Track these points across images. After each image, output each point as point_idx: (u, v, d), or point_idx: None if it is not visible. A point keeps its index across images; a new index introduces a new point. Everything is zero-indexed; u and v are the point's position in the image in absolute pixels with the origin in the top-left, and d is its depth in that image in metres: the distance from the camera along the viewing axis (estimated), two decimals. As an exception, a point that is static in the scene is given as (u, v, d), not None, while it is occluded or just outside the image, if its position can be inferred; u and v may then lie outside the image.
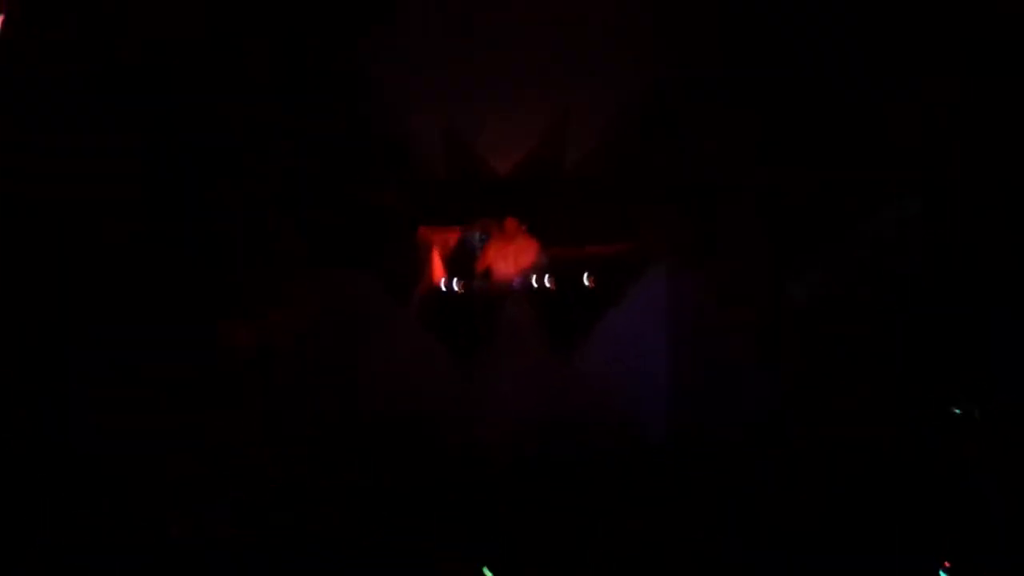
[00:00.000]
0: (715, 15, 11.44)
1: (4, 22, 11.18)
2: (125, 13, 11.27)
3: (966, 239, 10.35)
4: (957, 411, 7.92)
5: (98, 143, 11.24)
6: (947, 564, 7.83)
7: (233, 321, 11.07)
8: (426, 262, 11.27)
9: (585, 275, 10.81)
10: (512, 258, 11.12)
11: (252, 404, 9.79)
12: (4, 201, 10.77)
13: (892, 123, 10.96)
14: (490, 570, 8.05)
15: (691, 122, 11.91)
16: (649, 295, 9.85)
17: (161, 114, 11.35)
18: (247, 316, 11.30)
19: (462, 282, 10.89)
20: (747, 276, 11.18)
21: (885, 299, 10.47)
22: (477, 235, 11.60)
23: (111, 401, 9.93)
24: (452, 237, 11.75)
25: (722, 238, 11.52)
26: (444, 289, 10.82)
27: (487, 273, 11.07)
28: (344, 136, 12.06)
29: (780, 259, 11.18)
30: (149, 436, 9.59)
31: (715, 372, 9.77)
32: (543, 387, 9.56)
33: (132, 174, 11.24)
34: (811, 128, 11.30)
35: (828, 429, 9.55)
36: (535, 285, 10.68)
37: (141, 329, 10.39)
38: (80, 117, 11.19)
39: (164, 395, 9.91)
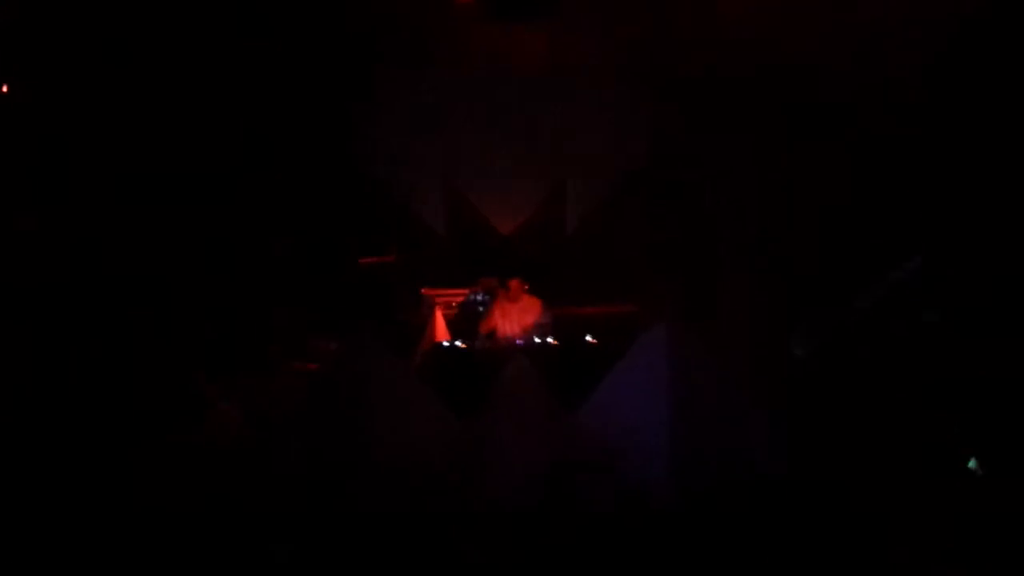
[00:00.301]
0: (710, 83, 11.64)
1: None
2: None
3: (961, 296, 10.42)
4: (971, 464, 7.92)
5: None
6: None
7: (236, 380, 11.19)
8: (429, 321, 11.33)
9: (587, 335, 10.85)
10: (514, 317, 11.17)
11: (257, 460, 9.79)
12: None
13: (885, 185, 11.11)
14: None
15: (690, 185, 12.08)
16: (651, 354, 9.84)
17: (172, 188, 11.53)
18: (251, 376, 11.41)
19: (464, 341, 10.93)
20: (748, 334, 11.23)
21: (886, 354, 10.51)
22: (479, 295, 11.67)
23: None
24: (455, 297, 11.83)
25: (723, 297, 11.61)
26: (447, 348, 10.84)
27: (489, 332, 11.12)
28: (349, 199, 12.22)
29: (781, 317, 11.25)
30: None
31: (717, 430, 9.74)
32: (544, 446, 9.53)
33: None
34: (811, 189, 11.43)
35: (833, 485, 9.53)
36: (537, 343, 10.71)
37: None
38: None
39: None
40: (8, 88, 11.36)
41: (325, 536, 9.10)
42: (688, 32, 11.56)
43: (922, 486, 9.30)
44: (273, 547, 8.74)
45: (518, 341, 10.66)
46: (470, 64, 11.95)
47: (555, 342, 10.80)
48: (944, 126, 10.74)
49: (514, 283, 11.22)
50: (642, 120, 11.97)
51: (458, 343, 10.87)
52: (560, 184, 11.98)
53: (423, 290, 12.03)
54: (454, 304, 11.88)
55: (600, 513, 9.32)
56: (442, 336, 11.17)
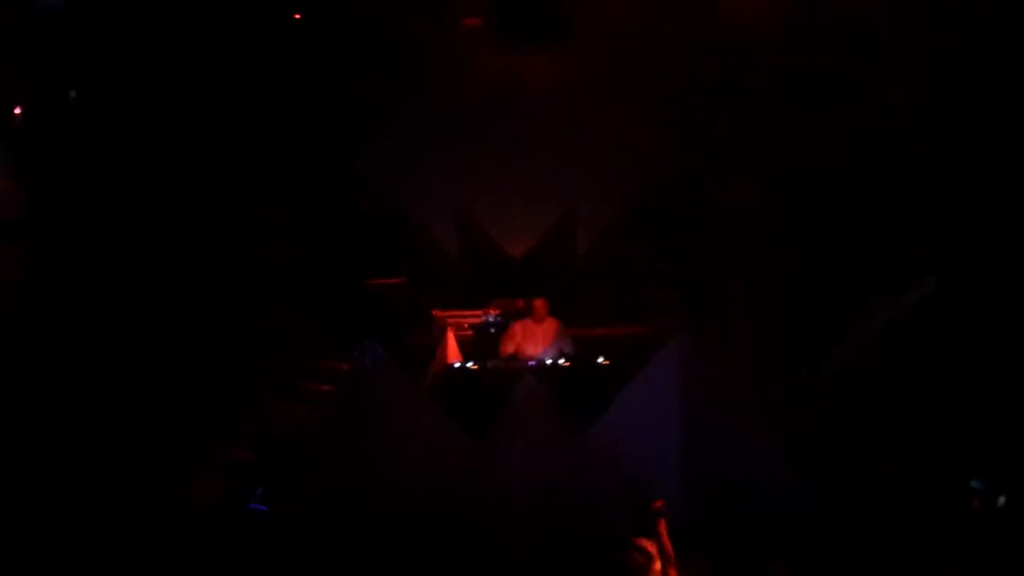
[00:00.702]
0: (716, 108, 11.66)
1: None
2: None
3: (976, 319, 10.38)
4: (974, 483, 7.88)
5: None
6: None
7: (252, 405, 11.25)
8: (440, 343, 11.32)
9: (599, 356, 10.82)
10: (538, 339, 11.16)
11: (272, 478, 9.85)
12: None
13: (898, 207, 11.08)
14: None
15: (703, 207, 12.06)
16: (662, 375, 9.82)
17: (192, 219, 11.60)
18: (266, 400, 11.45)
19: (476, 362, 10.91)
20: (760, 356, 11.19)
21: (898, 376, 10.47)
22: (491, 316, 11.65)
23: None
24: (466, 319, 11.81)
25: (735, 318, 11.57)
26: (458, 369, 10.83)
27: (511, 354, 11.09)
28: (360, 222, 12.23)
29: (793, 340, 11.20)
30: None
31: (729, 451, 9.71)
32: (556, 466, 9.51)
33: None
34: (820, 212, 11.41)
35: (843, 506, 9.50)
36: (548, 365, 10.69)
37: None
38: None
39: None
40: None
41: (339, 554, 9.13)
42: (693, 46, 11.58)
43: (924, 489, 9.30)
44: None
45: (530, 363, 10.63)
46: (479, 86, 11.95)
47: (567, 363, 10.77)
48: (947, 132, 10.74)
49: (540, 303, 11.22)
50: (651, 141, 11.94)
51: (469, 364, 10.85)
52: (571, 206, 11.96)
53: (434, 312, 12.02)
54: (466, 325, 11.86)
55: (610, 529, 9.29)
56: (454, 358, 11.15)
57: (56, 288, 11.28)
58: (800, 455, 9.92)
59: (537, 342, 11.15)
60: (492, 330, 11.47)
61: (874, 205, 10.96)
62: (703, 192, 11.97)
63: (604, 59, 11.85)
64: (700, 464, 9.58)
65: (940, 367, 10.27)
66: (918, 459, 9.68)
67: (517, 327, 11.25)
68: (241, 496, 9.89)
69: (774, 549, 9.01)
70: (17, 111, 11.36)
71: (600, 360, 10.81)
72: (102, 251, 11.44)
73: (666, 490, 9.42)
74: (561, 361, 10.77)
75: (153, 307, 11.55)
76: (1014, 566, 8.24)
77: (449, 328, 11.50)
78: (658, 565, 7.47)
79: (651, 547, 7.56)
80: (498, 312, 11.73)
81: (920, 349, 10.50)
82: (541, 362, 10.69)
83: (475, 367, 10.82)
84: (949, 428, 9.87)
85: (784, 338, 11.25)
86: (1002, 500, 9.17)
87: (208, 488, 10.27)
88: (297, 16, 11.89)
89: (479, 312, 11.83)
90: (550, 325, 11.23)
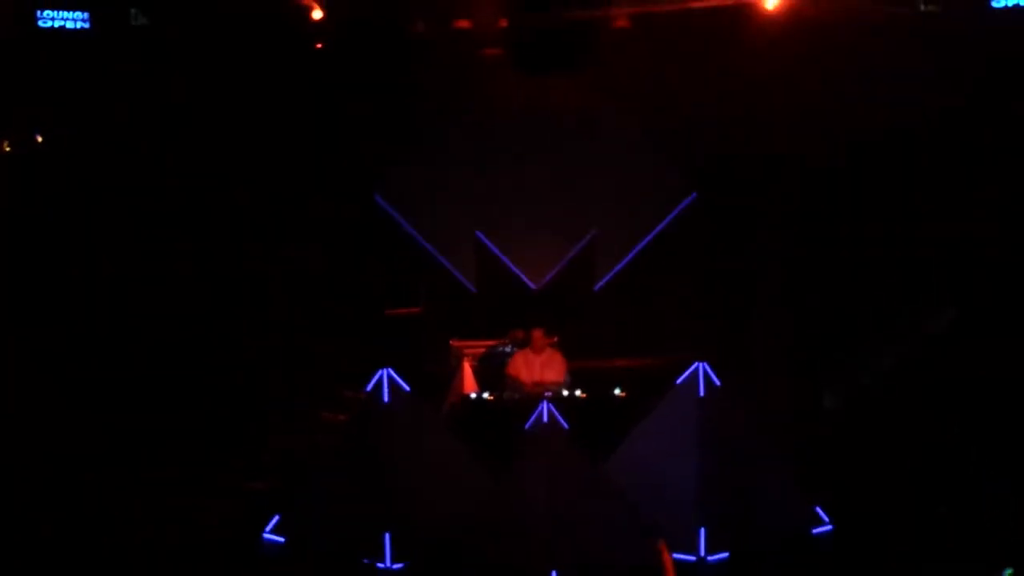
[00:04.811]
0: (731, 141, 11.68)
1: None
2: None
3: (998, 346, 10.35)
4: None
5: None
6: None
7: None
8: (457, 372, 11.30)
9: (616, 388, 10.79)
10: (535, 369, 11.13)
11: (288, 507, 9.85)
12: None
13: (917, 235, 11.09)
14: None
15: (721, 240, 12.07)
16: (680, 408, 9.79)
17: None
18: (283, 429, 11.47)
19: (493, 392, 10.88)
20: (779, 387, 11.15)
21: (918, 407, 10.43)
22: (508, 347, 11.62)
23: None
24: (483, 348, 11.79)
25: (754, 349, 11.54)
26: (474, 399, 10.80)
27: (517, 383, 11.07)
28: (378, 250, 12.25)
29: (813, 370, 11.17)
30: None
31: (747, 484, 9.67)
32: (572, 496, 9.47)
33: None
34: (838, 241, 11.40)
35: (865, 541, 9.45)
36: (565, 395, 10.65)
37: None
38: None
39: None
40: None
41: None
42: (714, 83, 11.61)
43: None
44: None
45: (547, 393, 10.59)
46: (500, 115, 11.98)
47: (584, 395, 10.74)
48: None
49: (537, 334, 11.18)
50: (671, 170, 11.95)
51: (486, 395, 10.82)
52: (590, 235, 11.96)
53: (452, 341, 12.00)
54: (472, 355, 11.85)
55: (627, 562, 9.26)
56: (470, 388, 11.12)
57: (76, 311, 11.36)
58: (815, 483, 9.89)
59: (534, 372, 11.11)
60: (508, 359, 11.42)
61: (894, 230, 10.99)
62: (722, 221, 11.99)
63: (625, 88, 11.88)
64: (717, 495, 9.54)
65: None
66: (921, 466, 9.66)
67: (519, 357, 11.22)
68: (256, 524, 9.86)
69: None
70: (39, 139, 11.45)
71: (617, 392, 10.77)
72: (125, 279, 11.52)
73: (681, 521, 9.51)
74: (578, 393, 10.73)
75: (173, 334, 11.62)
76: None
77: (465, 358, 11.48)
78: None
79: None
80: (506, 342, 11.69)
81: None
82: (557, 393, 10.65)
83: (491, 397, 10.79)
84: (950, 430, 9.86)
85: (803, 368, 11.24)
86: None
87: (223, 516, 10.26)
88: (319, 46, 11.95)
89: (495, 342, 11.81)
90: (550, 357, 11.19)
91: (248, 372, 11.70)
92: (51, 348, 11.31)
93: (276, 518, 9.83)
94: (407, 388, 9.79)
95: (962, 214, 10.93)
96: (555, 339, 11.61)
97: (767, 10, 11.32)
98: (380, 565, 9.43)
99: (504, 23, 11.91)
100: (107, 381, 11.31)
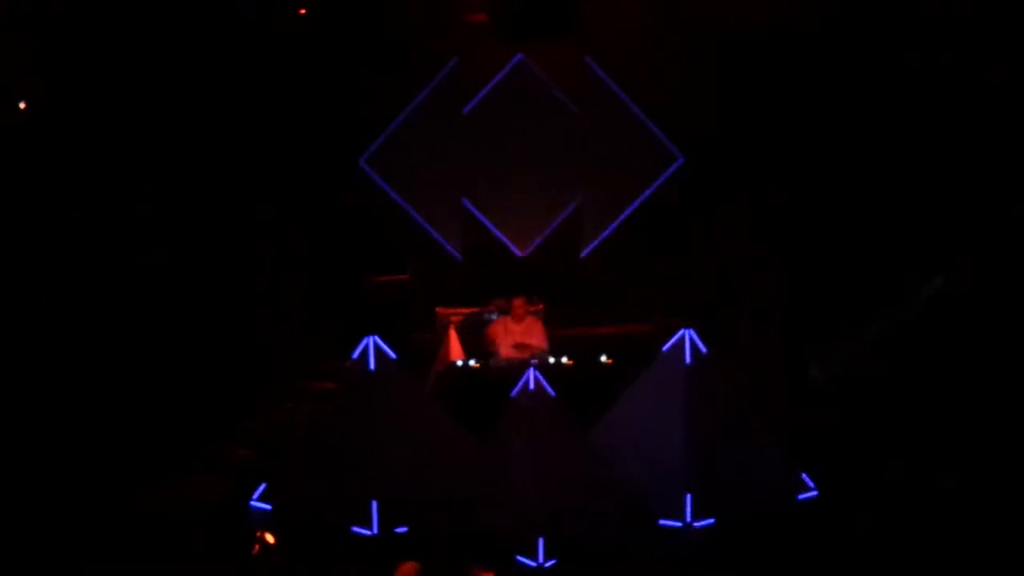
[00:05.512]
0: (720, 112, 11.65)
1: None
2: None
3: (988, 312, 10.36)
4: None
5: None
6: None
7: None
8: (443, 340, 11.28)
9: (603, 355, 10.78)
10: (516, 337, 11.13)
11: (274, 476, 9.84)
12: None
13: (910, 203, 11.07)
14: None
15: (709, 208, 12.04)
16: (667, 374, 9.78)
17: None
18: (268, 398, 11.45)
19: (478, 360, 10.88)
20: (766, 356, 11.16)
21: (905, 379, 10.45)
22: (494, 314, 11.61)
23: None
24: (469, 316, 11.77)
25: (742, 319, 11.53)
26: (461, 367, 10.79)
27: (503, 351, 11.07)
28: (364, 219, 12.21)
29: (800, 341, 11.17)
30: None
31: (733, 453, 9.68)
32: (558, 465, 9.47)
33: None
34: (828, 211, 11.39)
35: (848, 512, 9.48)
36: (552, 363, 10.64)
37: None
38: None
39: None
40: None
41: (339, 554, 9.11)
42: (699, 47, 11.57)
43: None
44: None
45: (532, 360, 10.58)
46: (485, 82, 11.92)
47: (570, 362, 10.73)
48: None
49: (517, 302, 11.20)
50: (658, 137, 11.91)
51: (472, 362, 10.81)
52: (577, 203, 11.92)
53: (437, 309, 11.98)
54: (469, 322, 11.82)
55: (612, 531, 9.28)
56: (456, 355, 11.10)
57: (58, 286, 11.29)
58: (803, 457, 9.91)
59: (514, 340, 11.12)
60: (494, 326, 11.43)
61: (881, 207, 10.96)
62: (710, 192, 11.96)
63: (611, 56, 11.83)
64: (703, 462, 9.55)
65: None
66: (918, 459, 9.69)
67: (499, 324, 11.25)
68: (242, 493, 9.86)
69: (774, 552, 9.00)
70: (22, 105, 11.35)
71: (603, 359, 10.77)
72: (105, 250, 11.45)
73: (668, 487, 9.53)
74: (564, 360, 10.73)
75: (156, 305, 11.57)
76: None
77: (451, 326, 11.46)
78: None
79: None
80: (491, 309, 11.69)
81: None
82: (543, 361, 10.64)
83: (477, 365, 10.79)
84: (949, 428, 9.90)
85: (790, 339, 11.23)
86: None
87: (209, 485, 10.26)
88: (302, 12, 11.87)
89: (480, 310, 11.80)
90: (531, 324, 11.20)
91: (231, 340, 11.66)
92: (29, 323, 11.23)
93: (263, 486, 9.83)
94: (393, 355, 9.77)
95: (954, 185, 10.90)
96: (539, 307, 11.61)
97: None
98: (366, 532, 9.44)
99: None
100: (89, 352, 11.25)
